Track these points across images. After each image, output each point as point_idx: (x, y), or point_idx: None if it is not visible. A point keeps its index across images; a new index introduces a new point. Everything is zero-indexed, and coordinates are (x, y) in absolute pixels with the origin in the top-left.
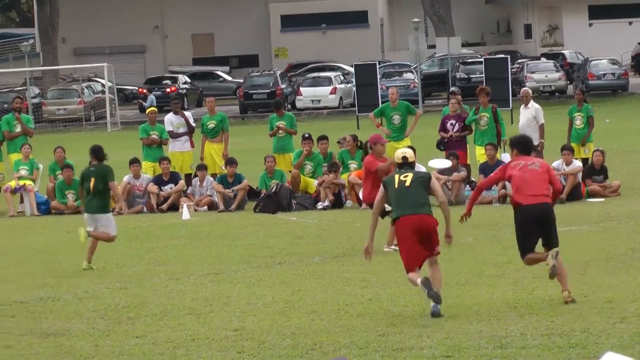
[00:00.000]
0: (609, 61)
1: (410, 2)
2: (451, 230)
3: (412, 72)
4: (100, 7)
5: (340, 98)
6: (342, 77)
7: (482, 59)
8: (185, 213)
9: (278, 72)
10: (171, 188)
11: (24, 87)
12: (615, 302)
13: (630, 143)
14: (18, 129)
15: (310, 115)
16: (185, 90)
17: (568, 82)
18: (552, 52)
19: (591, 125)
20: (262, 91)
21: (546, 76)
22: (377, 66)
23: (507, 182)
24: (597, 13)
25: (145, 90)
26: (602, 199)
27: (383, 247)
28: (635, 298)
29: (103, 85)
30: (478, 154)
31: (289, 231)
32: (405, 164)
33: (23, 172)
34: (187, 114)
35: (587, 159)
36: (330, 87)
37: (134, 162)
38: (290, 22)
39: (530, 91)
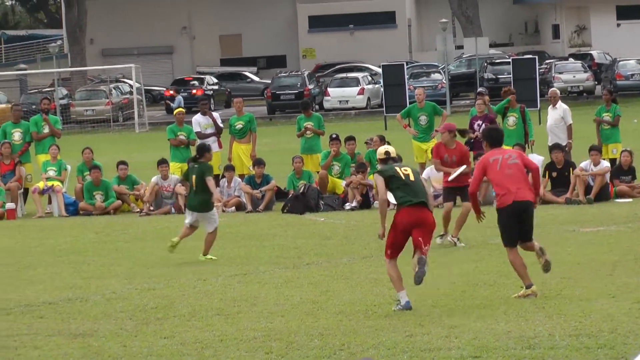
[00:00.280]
0: (637, 61)
1: (438, 3)
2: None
3: (439, 72)
4: (128, 8)
5: (368, 99)
6: (369, 78)
7: (509, 60)
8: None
9: (306, 73)
10: None
11: (52, 88)
12: None
13: None
14: (46, 130)
15: (338, 115)
16: (212, 92)
17: (596, 83)
18: (580, 52)
19: (615, 122)
20: (289, 92)
21: (574, 77)
22: (405, 67)
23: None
24: (625, 13)
25: (171, 92)
26: (630, 200)
27: (436, 239)
28: None
29: (131, 86)
30: None
31: (317, 232)
32: (389, 159)
33: (51, 173)
34: (215, 114)
35: (615, 159)
36: (358, 88)
37: (162, 163)
38: (318, 23)
39: (558, 92)
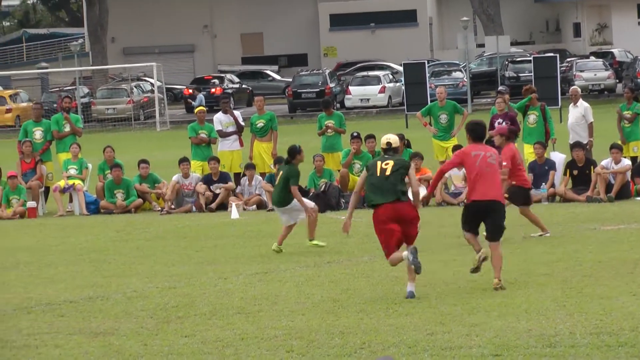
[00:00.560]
0: None
1: (459, 1)
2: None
3: (461, 70)
4: (150, 6)
5: (389, 97)
6: (391, 76)
7: (531, 58)
8: (234, 212)
9: (327, 71)
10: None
11: (73, 87)
12: None
13: None
14: (67, 129)
15: (359, 114)
16: (231, 90)
17: (617, 81)
18: (601, 50)
19: (633, 118)
20: (311, 90)
21: (595, 75)
22: (426, 65)
23: (555, 182)
24: None
25: (191, 91)
26: None
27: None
28: None
29: (152, 85)
30: (526, 152)
31: (338, 230)
32: (389, 150)
33: (72, 172)
34: (236, 113)
35: (636, 157)
36: (379, 86)
37: (184, 161)
38: (339, 21)
39: (579, 90)
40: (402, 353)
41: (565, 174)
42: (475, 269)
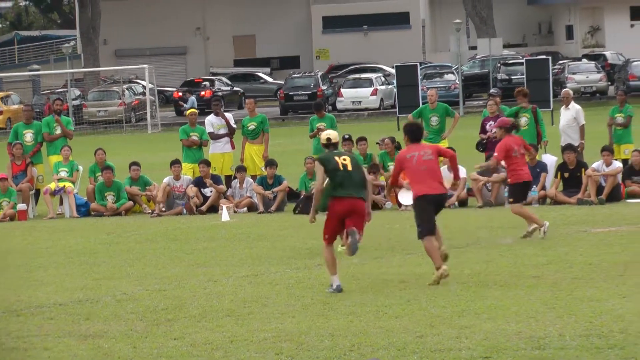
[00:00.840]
0: None
1: (452, 3)
2: (369, 209)
3: (453, 73)
4: (142, 8)
5: (381, 99)
6: (383, 79)
7: (523, 60)
8: (224, 214)
9: (319, 74)
10: (211, 191)
11: (65, 89)
12: None
13: None
14: (58, 131)
15: (351, 116)
16: (222, 93)
17: (609, 83)
18: (593, 53)
19: (627, 123)
20: (302, 92)
21: (587, 77)
22: (418, 67)
23: (546, 184)
24: (638, 14)
25: (181, 94)
26: None
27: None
28: None
29: (144, 87)
30: None
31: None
32: (330, 145)
33: (63, 174)
34: (228, 115)
35: (627, 160)
36: (371, 89)
37: (175, 163)
38: (332, 24)
39: (571, 92)
40: (392, 355)
41: (556, 176)
42: (434, 283)
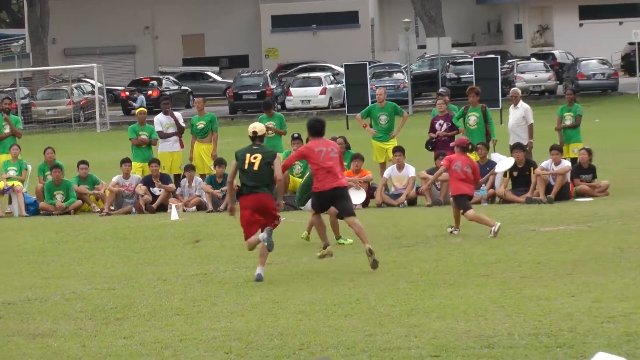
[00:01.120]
0: (599, 61)
1: (401, 3)
2: (281, 201)
3: (402, 72)
4: (91, 7)
5: (330, 98)
6: (332, 78)
7: (472, 59)
8: (173, 213)
9: (268, 73)
10: (160, 190)
11: (14, 88)
12: (603, 302)
13: (619, 143)
14: (7, 130)
15: (300, 115)
16: (170, 92)
17: (558, 82)
18: (542, 52)
19: (577, 123)
20: (251, 91)
21: (536, 76)
22: (367, 66)
23: (496, 182)
24: (587, 13)
25: (128, 93)
26: (591, 199)
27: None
28: (623, 297)
29: (93, 86)
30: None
31: (277, 231)
32: (256, 137)
33: (12, 173)
34: (177, 114)
35: (576, 158)
36: (320, 88)
37: (125, 161)
38: (281, 23)
39: (519, 91)
40: (341, 354)
41: (505, 175)
42: (321, 257)
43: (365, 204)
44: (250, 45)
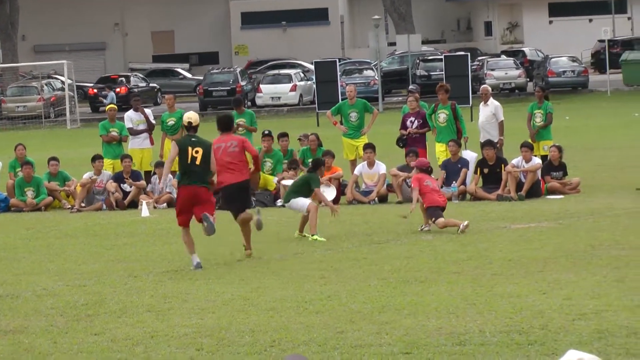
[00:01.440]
0: (569, 58)
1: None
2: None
3: (372, 69)
4: (60, 4)
5: (301, 95)
6: (302, 75)
7: (442, 57)
8: (144, 210)
9: (238, 70)
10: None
11: None
12: (574, 299)
13: (589, 140)
14: None
15: (270, 112)
16: (138, 89)
17: (528, 80)
18: (512, 49)
19: (548, 122)
20: (222, 88)
21: (506, 73)
22: (338, 63)
23: (467, 179)
24: (557, 10)
25: (96, 91)
26: (562, 196)
27: (418, 228)
28: (594, 295)
29: (63, 83)
30: (438, 150)
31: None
32: (190, 128)
33: None
34: (147, 111)
35: (547, 156)
36: (291, 84)
37: (97, 158)
38: (251, 20)
39: (489, 88)
40: (313, 351)
41: (475, 172)
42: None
43: (336, 201)
44: (220, 42)
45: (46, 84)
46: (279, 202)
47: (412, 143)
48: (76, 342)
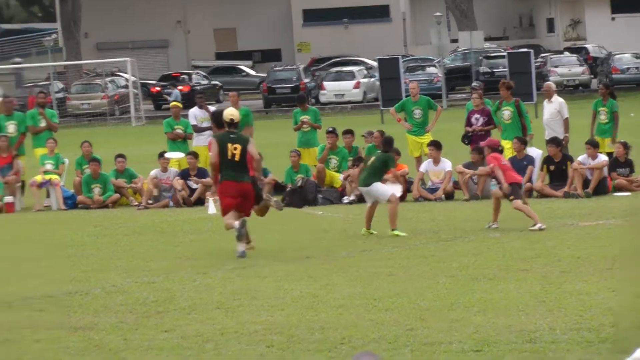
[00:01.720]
0: (633, 55)
1: None
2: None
3: (435, 66)
4: (122, 1)
5: (364, 92)
6: (365, 71)
7: (505, 53)
8: (211, 207)
9: (301, 67)
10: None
11: (48, 82)
12: None
13: None
14: (42, 124)
15: (334, 109)
16: (200, 87)
17: (592, 76)
18: (575, 46)
19: (615, 122)
20: (285, 86)
21: (569, 70)
22: (400, 60)
23: (533, 176)
24: (619, 7)
25: (158, 89)
26: (629, 193)
27: (486, 225)
28: None
29: (126, 80)
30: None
31: (315, 225)
32: (232, 124)
33: (48, 167)
34: (212, 108)
35: (612, 152)
36: (354, 82)
37: (163, 155)
38: (312, 17)
39: (553, 85)
40: (383, 348)
41: (542, 169)
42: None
43: (402, 198)
44: (282, 39)
45: (110, 82)
46: (346, 199)
47: (477, 140)
48: (146, 339)
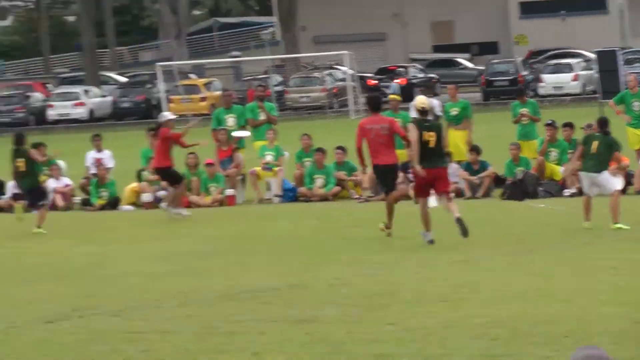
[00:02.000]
0: None
1: None
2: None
3: None
4: None
5: (583, 85)
6: (583, 64)
7: None
8: (432, 200)
9: (519, 59)
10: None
11: (266, 75)
12: None
13: None
14: (262, 117)
15: (553, 102)
16: (416, 80)
17: None
18: None
19: None
20: (503, 78)
21: None
22: (619, 52)
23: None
24: None
25: (375, 82)
26: None
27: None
28: None
29: (344, 73)
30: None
31: (537, 218)
32: (423, 112)
33: (269, 158)
34: (435, 102)
35: None
36: (572, 74)
37: None
38: (529, 9)
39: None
40: (608, 342)
41: None
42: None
43: (623, 191)
44: (499, 32)
45: (328, 75)
46: (566, 192)
47: None
48: (370, 332)
